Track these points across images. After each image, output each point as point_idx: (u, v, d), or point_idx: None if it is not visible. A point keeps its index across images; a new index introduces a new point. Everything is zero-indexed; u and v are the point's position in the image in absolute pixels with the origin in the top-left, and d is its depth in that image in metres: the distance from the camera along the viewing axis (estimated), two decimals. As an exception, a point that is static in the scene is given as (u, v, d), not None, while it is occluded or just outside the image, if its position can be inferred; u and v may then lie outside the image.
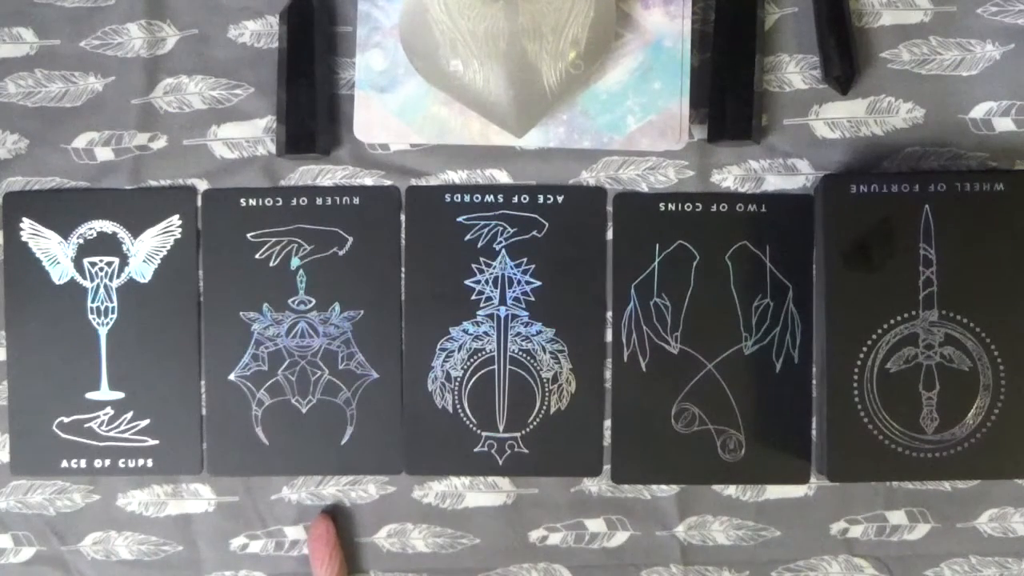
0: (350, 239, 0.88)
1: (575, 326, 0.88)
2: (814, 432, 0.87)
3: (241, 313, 0.88)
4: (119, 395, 0.88)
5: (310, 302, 0.88)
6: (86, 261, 0.88)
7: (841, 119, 0.87)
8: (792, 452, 0.87)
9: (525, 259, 0.88)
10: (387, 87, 0.86)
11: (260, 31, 0.88)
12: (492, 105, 0.84)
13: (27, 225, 0.88)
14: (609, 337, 0.88)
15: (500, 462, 0.88)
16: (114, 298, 0.88)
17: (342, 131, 0.88)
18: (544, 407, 0.88)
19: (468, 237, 0.88)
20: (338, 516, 0.88)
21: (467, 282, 0.88)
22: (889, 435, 0.82)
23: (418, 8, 0.84)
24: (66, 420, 0.88)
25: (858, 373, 0.82)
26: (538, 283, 0.88)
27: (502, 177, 0.88)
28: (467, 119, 0.86)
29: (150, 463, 0.88)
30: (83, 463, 0.88)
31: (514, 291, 0.88)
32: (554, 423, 0.88)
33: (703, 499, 0.88)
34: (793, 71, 0.88)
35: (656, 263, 0.87)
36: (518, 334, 0.88)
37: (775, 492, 0.88)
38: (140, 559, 0.89)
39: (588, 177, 0.88)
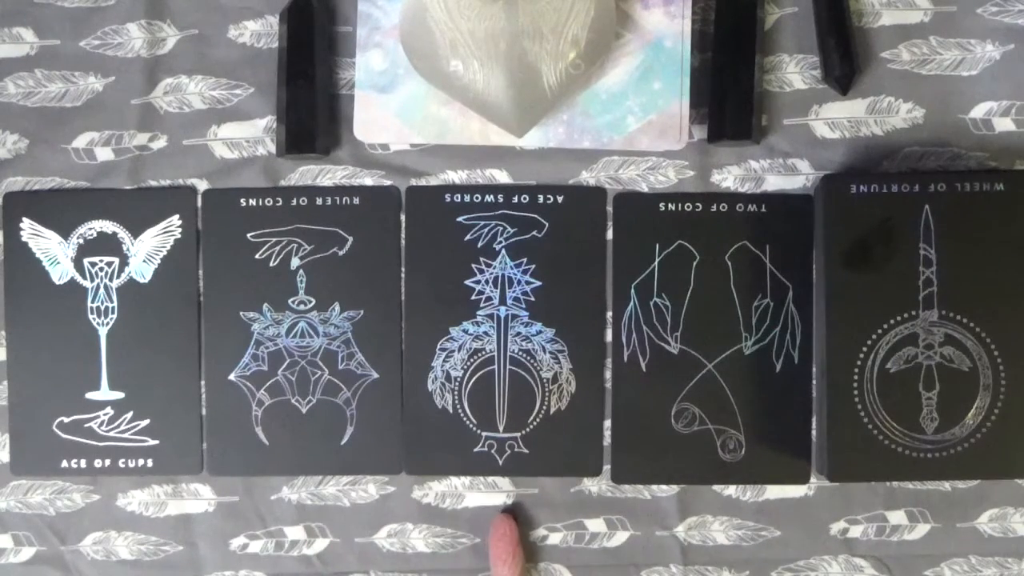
0: (350, 239, 0.88)
1: (575, 326, 0.88)
2: (814, 432, 0.87)
3: (241, 313, 0.88)
4: (119, 395, 0.88)
5: (310, 302, 0.88)
6: (86, 261, 0.88)
7: (841, 119, 0.87)
8: (792, 452, 0.87)
9: (525, 259, 0.88)
10: (387, 87, 0.86)
11: (260, 31, 0.88)
12: (492, 105, 0.84)
13: (27, 225, 0.88)
14: (609, 337, 0.88)
15: (500, 462, 0.88)
16: (114, 298, 0.88)
17: (342, 131, 0.88)
18: (544, 407, 0.88)
19: (468, 237, 0.88)
20: (518, 514, 0.88)
21: (467, 282, 0.88)
22: (889, 435, 0.82)
23: (418, 8, 0.84)
24: (66, 420, 0.88)
25: (858, 373, 0.82)
26: (538, 283, 0.88)
27: (502, 177, 0.88)
28: (467, 119, 0.86)
29: (150, 463, 0.88)
30: (83, 463, 0.88)
31: (514, 291, 0.88)
32: (554, 423, 0.88)
33: (703, 499, 0.88)
34: (793, 71, 0.88)
35: (656, 263, 0.87)
36: (518, 334, 0.88)
37: (775, 492, 0.88)
38: (140, 559, 0.89)
39: (588, 177, 0.88)
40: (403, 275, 0.88)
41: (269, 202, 0.88)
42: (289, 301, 0.88)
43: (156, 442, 0.88)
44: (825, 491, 0.88)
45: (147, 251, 0.88)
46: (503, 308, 0.88)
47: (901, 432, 0.82)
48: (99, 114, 0.88)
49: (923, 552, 0.88)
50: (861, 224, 0.83)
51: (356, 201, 0.88)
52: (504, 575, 0.86)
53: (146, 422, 0.88)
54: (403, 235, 0.88)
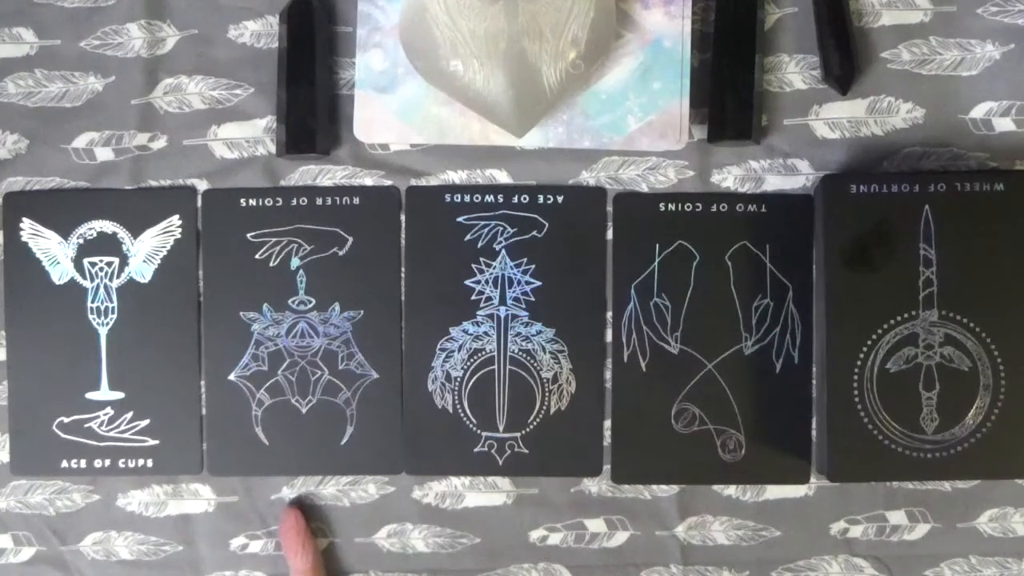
0: (350, 239, 0.88)
1: (575, 326, 0.88)
2: (814, 432, 0.87)
3: (241, 313, 0.88)
4: (119, 395, 0.88)
5: (310, 302, 0.88)
6: (86, 261, 0.88)
7: (841, 119, 0.87)
8: (792, 452, 0.87)
9: (525, 259, 0.88)
10: (387, 87, 0.86)
11: (260, 31, 0.88)
12: (492, 105, 0.84)
13: (27, 225, 0.88)
14: (609, 337, 0.88)
15: (500, 462, 0.88)
16: (114, 298, 0.88)
17: (342, 131, 0.88)
18: (544, 407, 0.88)
19: (468, 237, 0.88)
20: (306, 510, 0.88)
21: (467, 282, 0.88)
22: (889, 435, 0.82)
23: (418, 8, 0.84)
24: (66, 420, 0.88)
25: (858, 373, 0.82)
26: (538, 283, 0.88)
27: (502, 177, 0.88)
28: (467, 119, 0.86)
29: (150, 463, 0.88)
30: (83, 463, 0.88)
31: (514, 291, 0.88)
32: (554, 423, 0.88)
33: (703, 499, 0.88)
34: (793, 71, 0.88)
35: (656, 263, 0.87)
36: (518, 334, 0.88)
37: (775, 492, 0.88)
38: (140, 559, 0.89)
39: (588, 177, 0.88)
40: (403, 275, 0.88)
41: (269, 202, 0.88)
42: (289, 301, 0.88)
43: (156, 442, 0.88)
44: (825, 491, 0.88)
45: (147, 251, 0.88)
46: (503, 308, 0.88)
47: (901, 432, 0.82)
48: (99, 114, 0.88)
49: (923, 552, 0.88)
50: (861, 224, 0.83)
51: (356, 201, 0.88)
52: (298, 566, 0.86)
53: (146, 422, 0.88)
54: (403, 235, 0.88)
